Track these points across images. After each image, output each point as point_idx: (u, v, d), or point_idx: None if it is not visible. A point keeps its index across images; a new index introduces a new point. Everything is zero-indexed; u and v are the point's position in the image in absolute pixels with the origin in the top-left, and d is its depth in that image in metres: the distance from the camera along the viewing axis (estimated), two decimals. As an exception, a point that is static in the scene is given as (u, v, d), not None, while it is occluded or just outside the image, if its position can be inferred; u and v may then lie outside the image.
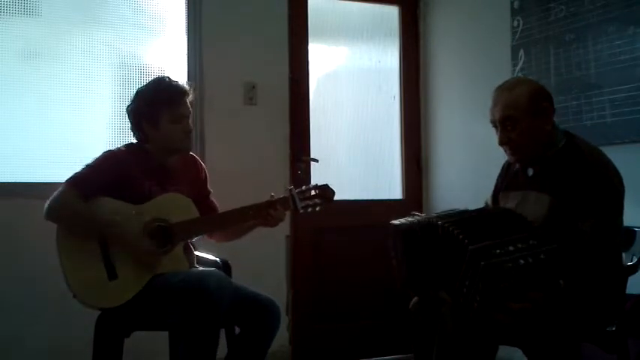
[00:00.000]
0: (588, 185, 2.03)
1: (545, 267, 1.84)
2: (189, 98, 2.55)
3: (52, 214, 2.37)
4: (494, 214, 2.18)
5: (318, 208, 2.59)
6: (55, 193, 2.39)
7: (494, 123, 2.20)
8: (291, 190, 2.57)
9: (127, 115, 2.56)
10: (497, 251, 1.82)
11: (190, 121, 2.55)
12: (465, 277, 1.86)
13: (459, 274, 1.88)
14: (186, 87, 2.54)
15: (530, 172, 2.24)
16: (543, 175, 2.18)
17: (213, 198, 2.71)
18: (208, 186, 2.71)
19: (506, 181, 2.37)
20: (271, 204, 2.53)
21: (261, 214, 2.53)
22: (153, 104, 2.49)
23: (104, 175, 2.43)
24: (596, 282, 2.00)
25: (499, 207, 2.34)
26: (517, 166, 2.31)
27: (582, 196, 2.02)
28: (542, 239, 1.87)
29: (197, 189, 2.63)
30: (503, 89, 2.20)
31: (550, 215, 2.08)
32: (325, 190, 2.60)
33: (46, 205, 2.37)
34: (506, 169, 2.40)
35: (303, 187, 2.60)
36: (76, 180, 2.40)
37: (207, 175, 2.72)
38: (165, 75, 2.61)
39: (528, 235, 1.88)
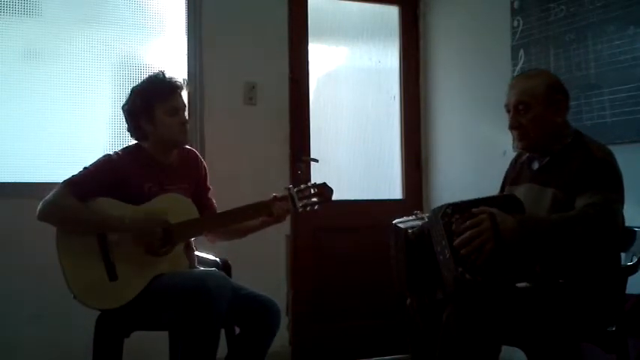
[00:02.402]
0: (591, 171, 2.05)
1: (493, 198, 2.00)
2: (184, 92, 2.56)
3: (43, 211, 2.36)
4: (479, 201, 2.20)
5: (316, 207, 2.58)
6: (49, 193, 2.38)
7: (507, 107, 2.24)
8: (289, 189, 2.56)
9: (123, 114, 2.56)
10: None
11: (186, 114, 2.56)
12: (438, 244, 1.96)
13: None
14: (180, 81, 2.55)
15: (536, 165, 2.26)
16: (548, 169, 2.20)
17: (211, 196, 2.70)
18: (208, 183, 2.70)
19: (513, 175, 2.38)
20: (272, 201, 2.53)
21: (264, 211, 2.53)
22: (148, 98, 2.49)
23: (101, 178, 2.42)
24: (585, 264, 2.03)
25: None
26: (524, 158, 2.33)
27: (585, 180, 2.04)
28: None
29: (197, 185, 2.63)
30: (522, 76, 2.33)
31: (553, 208, 2.09)
32: (323, 189, 2.58)
33: (39, 205, 2.37)
34: (514, 163, 2.41)
35: (302, 186, 2.58)
36: (71, 181, 2.40)
37: (208, 171, 2.71)
38: (160, 70, 2.59)
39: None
